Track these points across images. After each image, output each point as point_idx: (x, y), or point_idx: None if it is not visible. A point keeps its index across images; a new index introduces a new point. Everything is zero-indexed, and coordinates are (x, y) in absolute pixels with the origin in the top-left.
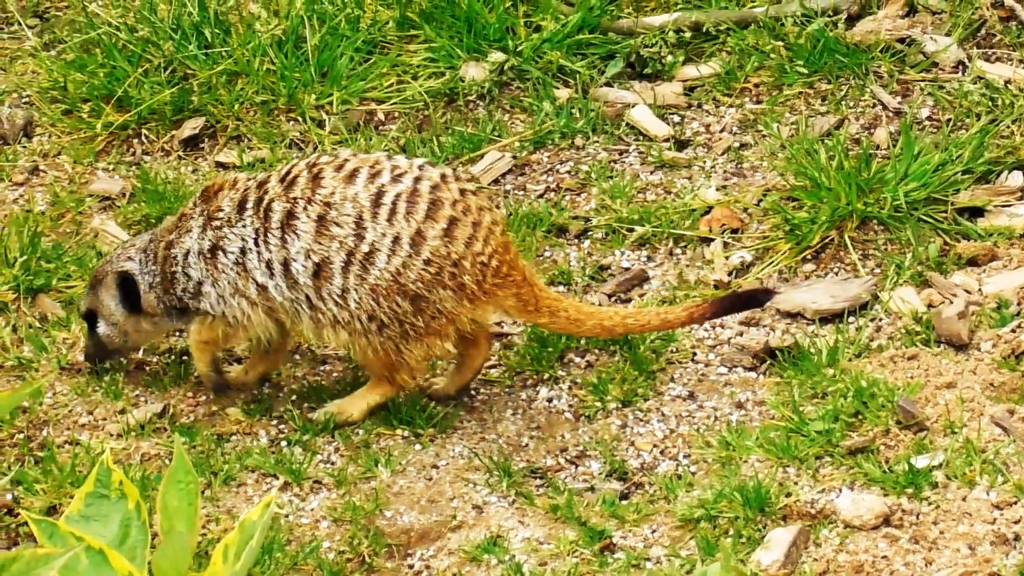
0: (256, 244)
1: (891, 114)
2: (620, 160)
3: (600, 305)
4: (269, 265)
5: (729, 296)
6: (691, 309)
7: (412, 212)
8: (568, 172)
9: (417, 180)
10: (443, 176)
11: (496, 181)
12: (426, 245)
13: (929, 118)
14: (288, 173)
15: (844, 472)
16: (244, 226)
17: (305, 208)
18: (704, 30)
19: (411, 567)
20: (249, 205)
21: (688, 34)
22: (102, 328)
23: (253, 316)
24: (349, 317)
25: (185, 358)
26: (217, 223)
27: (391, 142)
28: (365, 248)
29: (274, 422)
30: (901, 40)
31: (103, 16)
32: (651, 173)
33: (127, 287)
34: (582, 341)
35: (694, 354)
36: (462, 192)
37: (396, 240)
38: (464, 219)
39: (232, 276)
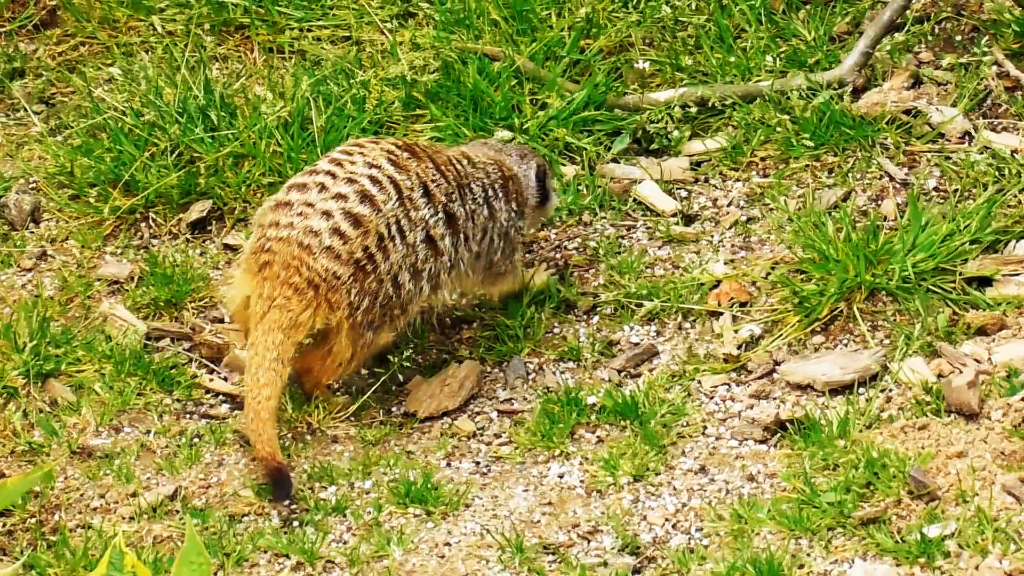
0: None
1: (898, 185)
2: (628, 235)
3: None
4: None
5: None
6: None
7: None
8: (576, 248)
9: None
10: None
11: None
12: None
13: (936, 189)
14: None
15: (856, 543)
16: None
17: None
18: (710, 105)
19: None
20: None
21: (694, 109)
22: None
23: None
24: None
25: (196, 440)
26: None
27: None
28: None
29: (285, 502)
30: (907, 112)
31: (109, 101)
32: (659, 248)
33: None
34: (593, 417)
35: (705, 428)
36: None
37: None
38: None
39: None
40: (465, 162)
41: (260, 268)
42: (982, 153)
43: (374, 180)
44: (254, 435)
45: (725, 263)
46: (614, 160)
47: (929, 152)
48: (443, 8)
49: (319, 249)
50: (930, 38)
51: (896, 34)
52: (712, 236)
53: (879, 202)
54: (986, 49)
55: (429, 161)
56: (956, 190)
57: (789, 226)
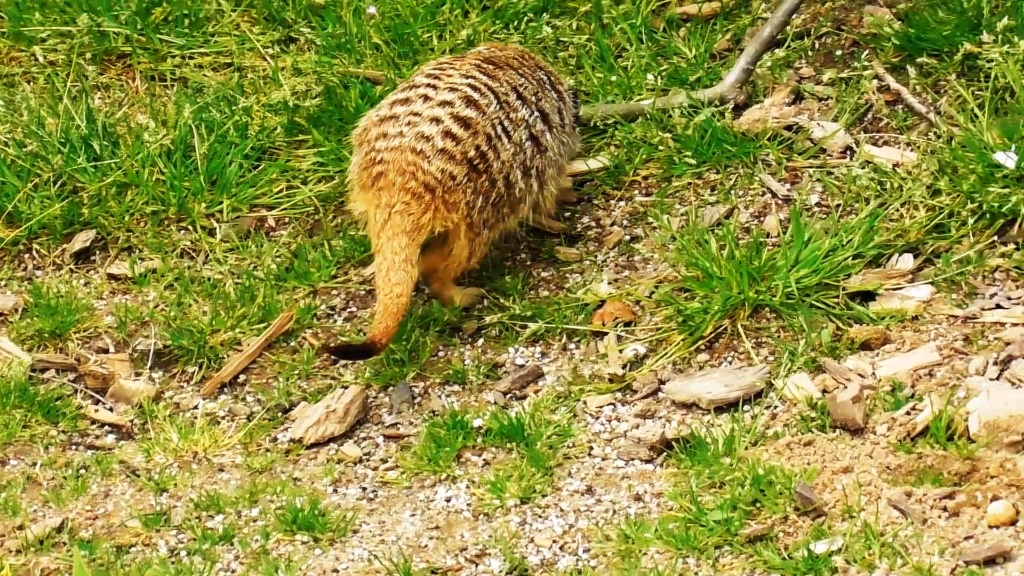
0: None
1: (780, 201)
2: (511, 257)
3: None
4: None
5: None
6: None
7: None
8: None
9: None
10: None
11: None
12: None
13: (819, 204)
14: None
15: (744, 561)
16: None
17: None
18: (592, 124)
19: None
20: None
21: (576, 128)
22: None
23: None
24: None
25: (82, 471)
26: None
27: (282, 247)
28: None
29: (173, 532)
30: (789, 127)
31: None
32: (543, 269)
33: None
34: (479, 439)
35: (591, 448)
36: None
37: None
38: None
39: None
40: (528, 58)
41: (374, 181)
42: (864, 168)
43: (473, 87)
44: (377, 323)
45: (609, 283)
46: None
47: (811, 168)
48: (324, 33)
49: (433, 152)
50: (811, 53)
51: (777, 50)
52: (596, 256)
53: (762, 219)
54: (866, 63)
55: (509, 67)
56: (838, 205)
57: (672, 244)
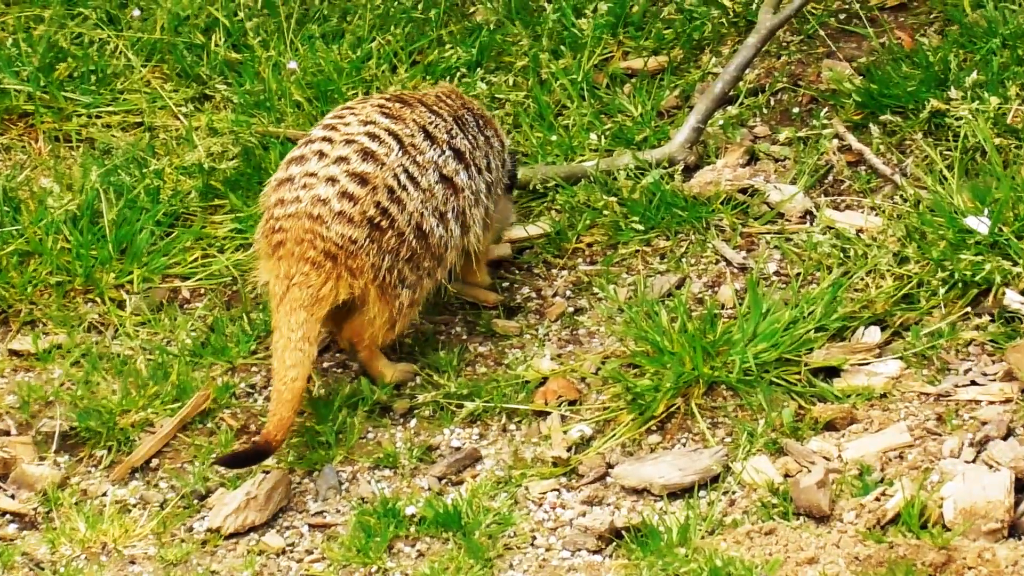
0: None
1: (736, 270)
2: (446, 331)
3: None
4: None
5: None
6: None
7: None
8: (388, 348)
9: None
10: None
11: None
12: None
13: (777, 273)
14: None
15: None
16: None
17: None
18: (531, 188)
19: None
20: None
21: (515, 192)
22: None
23: None
24: None
25: None
26: None
27: (197, 321)
28: None
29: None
30: (743, 191)
31: None
32: (480, 344)
33: None
34: (412, 528)
35: (534, 538)
36: None
37: None
38: None
39: None
40: (454, 96)
41: (274, 250)
42: (825, 233)
43: (372, 136)
44: (271, 415)
45: (552, 358)
46: None
47: (768, 233)
48: (241, 90)
49: (330, 216)
50: (766, 111)
51: (729, 107)
52: (537, 329)
53: (716, 289)
54: (826, 121)
55: (420, 105)
56: (798, 274)
57: (620, 317)
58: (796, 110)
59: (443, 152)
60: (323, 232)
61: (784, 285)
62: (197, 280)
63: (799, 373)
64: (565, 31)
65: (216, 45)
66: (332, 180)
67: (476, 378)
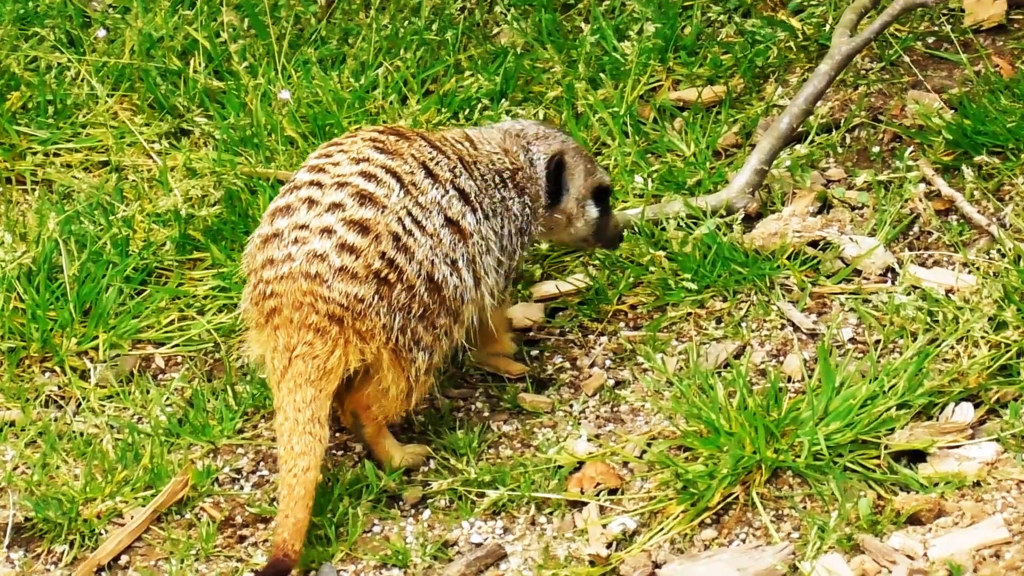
0: None
1: (804, 336)
2: (464, 406)
3: None
4: None
5: None
6: None
7: None
8: (400, 426)
9: None
10: None
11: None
12: None
13: (853, 340)
14: None
15: None
16: None
17: None
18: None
19: None
20: None
21: (544, 244)
22: None
23: None
24: None
25: None
26: None
27: (174, 394)
28: None
29: None
30: (814, 244)
31: None
32: (504, 422)
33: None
34: None
35: None
36: None
37: None
38: None
39: None
40: (466, 143)
41: (267, 318)
42: (909, 294)
43: (367, 175)
44: (281, 515)
45: (589, 439)
46: None
47: (843, 294)
48: (225, 124)
49: (330, 274)
50: (840, 150)
51: (797, 146)
52: (571, 405)
53: (781, 358)
54: (911, 163)
55: (421, 140)
56: (878, 341)
57: (668, 391)
58: (876, 149)
59: (446, 191)
60: (324, 293)
61: (861, 354)
62: (173, 346)
63: (878, 457)
64: (605, 56)
65: (195, 71)
66: (328, 231)
67: (500, 462)
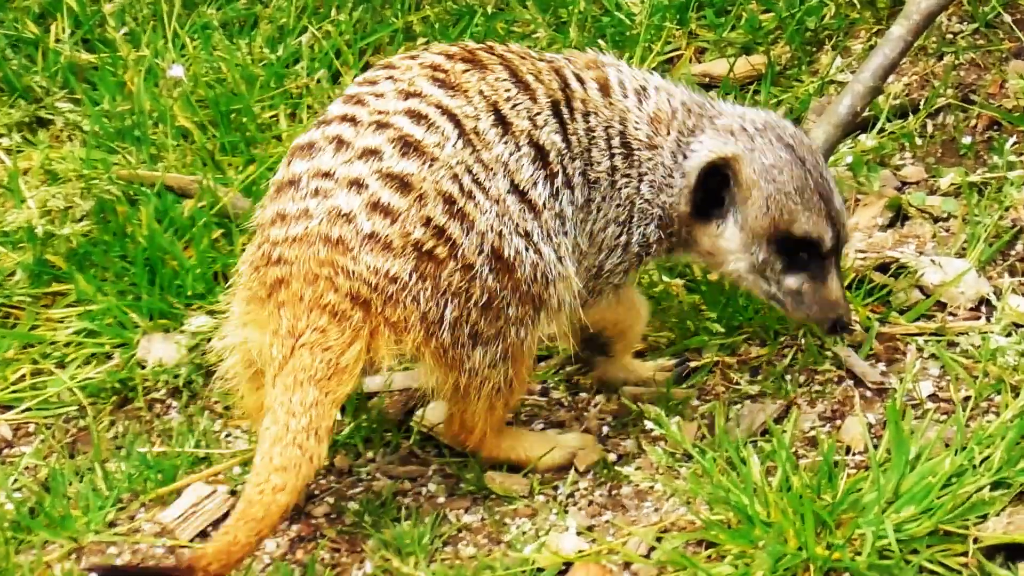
0: None
1: (870, 394)
2: (413, 490)
3: None
4: None
5: None
6: None
7: None
8: (326, 514)
9: None
10: None
11: (204, 533)
12: None
13: (934, 396)
14: None
15: None
16: None
17: None
18: None
19: None
20: None
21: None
22: None
23: None
24: None
25: None
26: None
27: (24, 475)
28: None
29: None
30: (882, 267)
31: None
32: (466, 511)
33: None
34: None
35: None
36: None
37: None
38: None
39: None
40: (587, 85)
41: (271, 291)
42: (1009, 335)
43: (416, 116)
44: (221, 531)
45: (579, 533)
46: None
47: (921, 335)
48: (96, 112)
49: (357, 241)
50: (920, 142)
51: (862, 136)
52: (556, 487)
53: (838, 422)
54: (1013, 158)
55: (504, 69)
56: (967, 398)
57: (686, 467)
58: (967, 140)
59: (517, 147)
60: (347, 265)
61: (945, 416)
62: (23, 410)
63: (966, 554)
64: (605, 16)
65: (57, 40)
66: (358, 185)
67: (460, 564)
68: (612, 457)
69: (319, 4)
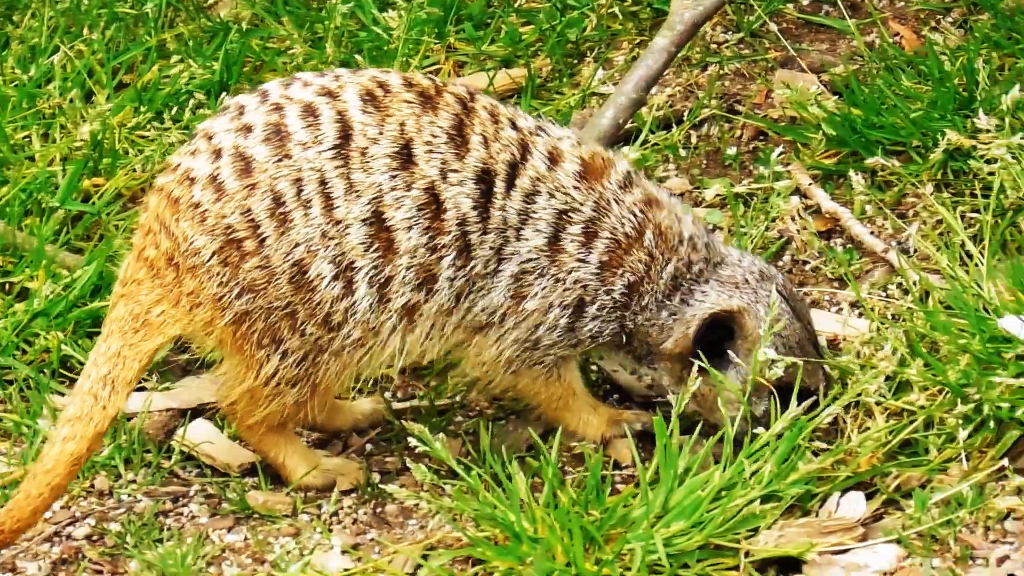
0: None
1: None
2: (174, 510)
3: None
4: None
5: None
6: None
7: None
8: (88, 536)
9: None
10: None
11: None
12: None
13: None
14: None
15: None
16: None
17: None
18: None
19: None
20: None
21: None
22: None
23: None
24: None
25: None
26: None
27: None
28: None
29: None
30: None
31: None
32: (229, 530)
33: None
34: None
35: None
36: None
37: None
38: None
39: None
40: (538, 158)
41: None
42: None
43: (310, 111)
44: (14, 498)
45: (344, 552)
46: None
47: None
48: None
49: (185, 205)
50: (684, 153)
51: (625, 148)
52: (319, 505)
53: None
54: (780, 168)
55: (451, 118)
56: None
57: (450, 484)
58: (733, 151)
59: (408, 189)
60: (171, 226)
61: (712, 431)
62: None
63: (737, 568)
64: (363, 31)
65: None
66: (217, 153)
67: None
68: (376, 476)
69: (71, 23)
